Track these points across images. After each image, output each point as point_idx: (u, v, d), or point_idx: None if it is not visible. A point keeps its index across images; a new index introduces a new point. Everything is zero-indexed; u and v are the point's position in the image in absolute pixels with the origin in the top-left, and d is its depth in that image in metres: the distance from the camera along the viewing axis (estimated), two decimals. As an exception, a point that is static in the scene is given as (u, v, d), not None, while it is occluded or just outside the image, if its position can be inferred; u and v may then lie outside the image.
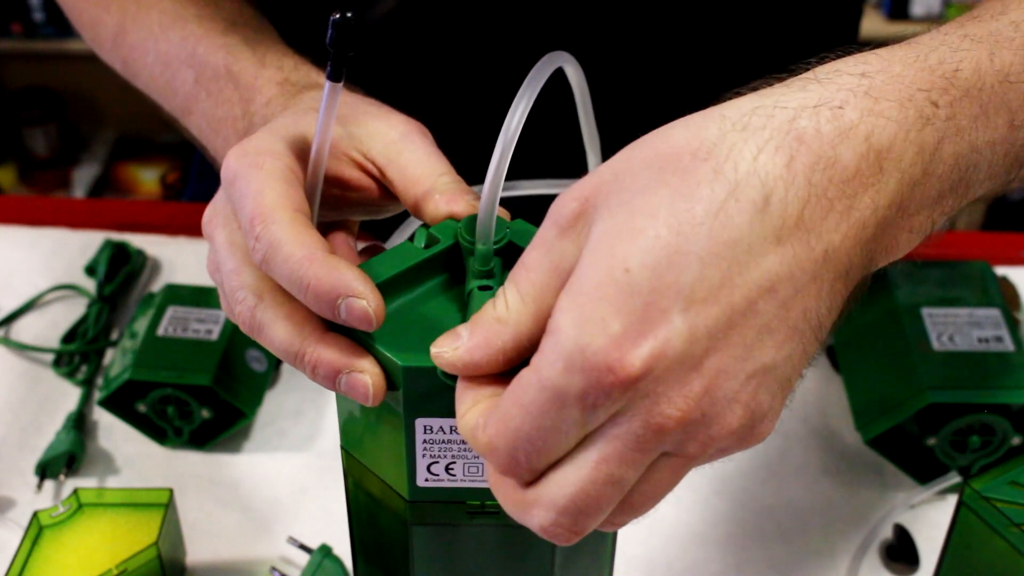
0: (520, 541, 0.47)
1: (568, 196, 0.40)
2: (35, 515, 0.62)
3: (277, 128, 0.50)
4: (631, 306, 0.37)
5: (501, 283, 0.43)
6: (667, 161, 0.39)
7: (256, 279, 0.47)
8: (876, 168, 0.40)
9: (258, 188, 0.46)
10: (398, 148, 0.51)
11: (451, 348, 0.41)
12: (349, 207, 0.53)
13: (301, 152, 0.49)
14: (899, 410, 0.69)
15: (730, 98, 0.42)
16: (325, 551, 0.64)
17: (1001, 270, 0.81)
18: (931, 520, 0.69)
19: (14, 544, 0.65)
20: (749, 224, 0.38)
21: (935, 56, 0.43)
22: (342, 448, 0.49)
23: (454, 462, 0.44)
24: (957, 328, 0.73)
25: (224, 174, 0.48)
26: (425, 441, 0.43)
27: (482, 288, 0.44)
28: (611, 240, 0.38)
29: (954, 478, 0.70)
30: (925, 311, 0.75)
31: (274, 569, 0.66)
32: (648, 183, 0.39)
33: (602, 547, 0.51)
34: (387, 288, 0.44)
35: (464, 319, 0.44)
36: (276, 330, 0.46)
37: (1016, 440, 0.69)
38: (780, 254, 0.38)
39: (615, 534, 0.51)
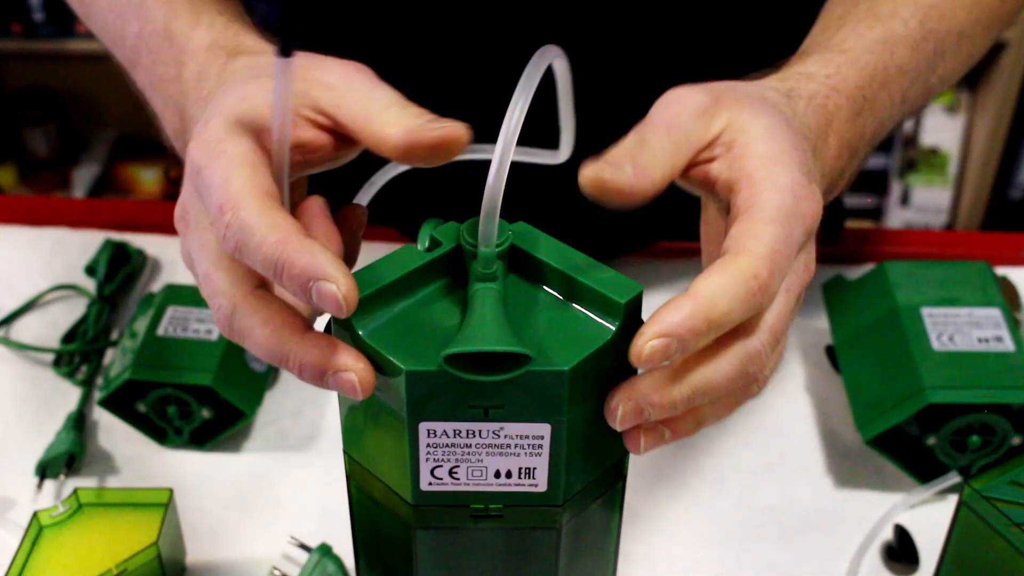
0: (524, 543, 0.47)
1: (697, 92, 0.50)
2: (35, 515, 0.62)
3: (227, 110, 0.49)
4: (805, 169, 0.49)
5: (503, 286, 0.43)
6: (763, 97, 0.53)
7: (229, 284, 0.47)
8: (845, 145, 0.57)
9: (223, 176, 0.46)
10: (341, 92, 0.50)
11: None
12: (311, 165, 0.51)
13: (258, 128, 0.48)
14: (899, 410, 0.69)
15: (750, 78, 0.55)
16: (324, 550, 0.64)
17: (1001, 270, 0.81)
18: (931, 520, 0.68)
19: (14, 544, 0.65)
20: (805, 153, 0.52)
21: (863, 60, 0.60)
22: (344, 452, 0.48)
23: (458, 465, 0.44)
24: (957, 328, 0.73)
25: (189, 169, 0.48)
26: (428, 445, 0.43)
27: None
28: (773, 131, 0.49)
29: (954, 478, 0.70)
30: (925, 311, 0.75)
31: (275, 569, 0.66)
32: (761, 105, 0.51)
33: (607, 546, 0.51)
34: (389, 291, 0.43)
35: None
36: (256, 336, 0.46)
37: (1016, 440, 0.69)
38: (817, 189, 0.51)
39: (619, 534, 0.51)
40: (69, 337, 0.82)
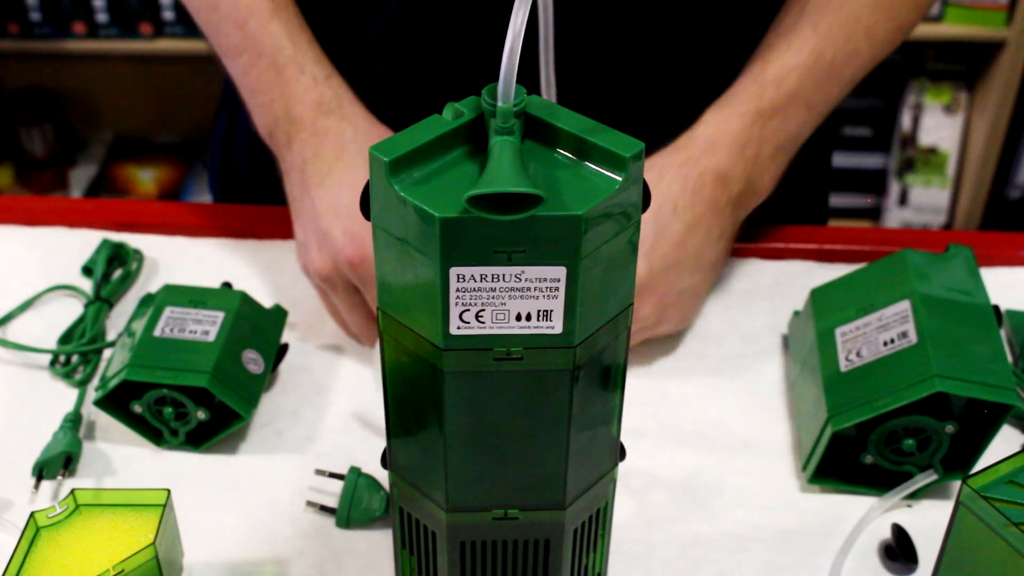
0: (542, 387, 0.51)
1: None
2: (32, 516, 0.62)
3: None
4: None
5: (519, 140, 0.49)
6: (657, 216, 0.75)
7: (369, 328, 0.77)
8: (733, 177, 0.77)
9: None
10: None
11: None
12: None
13: None
14: (817, 445, 0.69)
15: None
16: (357, 472, 0.69)
17: (999, 270, 0.81)
18: (930, 520, 0.68)
19: (11, 545, 0.65)
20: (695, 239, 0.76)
21: (749, 105, 0.77)
22: (379, 309, 0.52)
23: (483, 309, 0.48)
24: (866, 339, 0.71)
25: (346, 256, 0.73)
26: (458, 290, 0.47)
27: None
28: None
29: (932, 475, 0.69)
30: (838, 331, 0.73)
31: (310, 504, 0.70)
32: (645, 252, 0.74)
33: (613, 391, 0.55)
34: (420, 153, 0.48)
35: None
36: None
37: (950, 428, 0.67)
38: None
39: (624, 382, 0.55)
40: (66, 338, 0.82)
